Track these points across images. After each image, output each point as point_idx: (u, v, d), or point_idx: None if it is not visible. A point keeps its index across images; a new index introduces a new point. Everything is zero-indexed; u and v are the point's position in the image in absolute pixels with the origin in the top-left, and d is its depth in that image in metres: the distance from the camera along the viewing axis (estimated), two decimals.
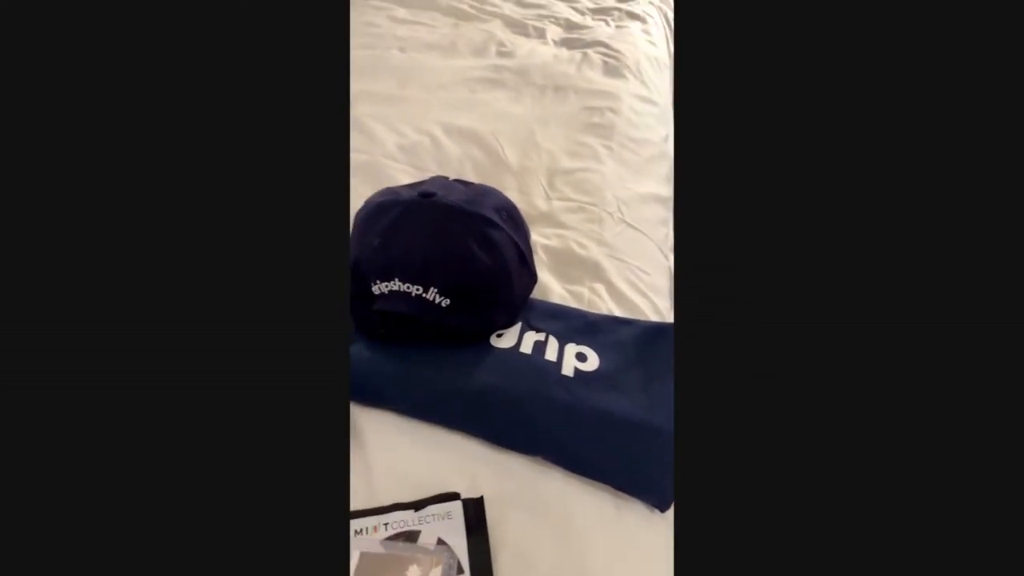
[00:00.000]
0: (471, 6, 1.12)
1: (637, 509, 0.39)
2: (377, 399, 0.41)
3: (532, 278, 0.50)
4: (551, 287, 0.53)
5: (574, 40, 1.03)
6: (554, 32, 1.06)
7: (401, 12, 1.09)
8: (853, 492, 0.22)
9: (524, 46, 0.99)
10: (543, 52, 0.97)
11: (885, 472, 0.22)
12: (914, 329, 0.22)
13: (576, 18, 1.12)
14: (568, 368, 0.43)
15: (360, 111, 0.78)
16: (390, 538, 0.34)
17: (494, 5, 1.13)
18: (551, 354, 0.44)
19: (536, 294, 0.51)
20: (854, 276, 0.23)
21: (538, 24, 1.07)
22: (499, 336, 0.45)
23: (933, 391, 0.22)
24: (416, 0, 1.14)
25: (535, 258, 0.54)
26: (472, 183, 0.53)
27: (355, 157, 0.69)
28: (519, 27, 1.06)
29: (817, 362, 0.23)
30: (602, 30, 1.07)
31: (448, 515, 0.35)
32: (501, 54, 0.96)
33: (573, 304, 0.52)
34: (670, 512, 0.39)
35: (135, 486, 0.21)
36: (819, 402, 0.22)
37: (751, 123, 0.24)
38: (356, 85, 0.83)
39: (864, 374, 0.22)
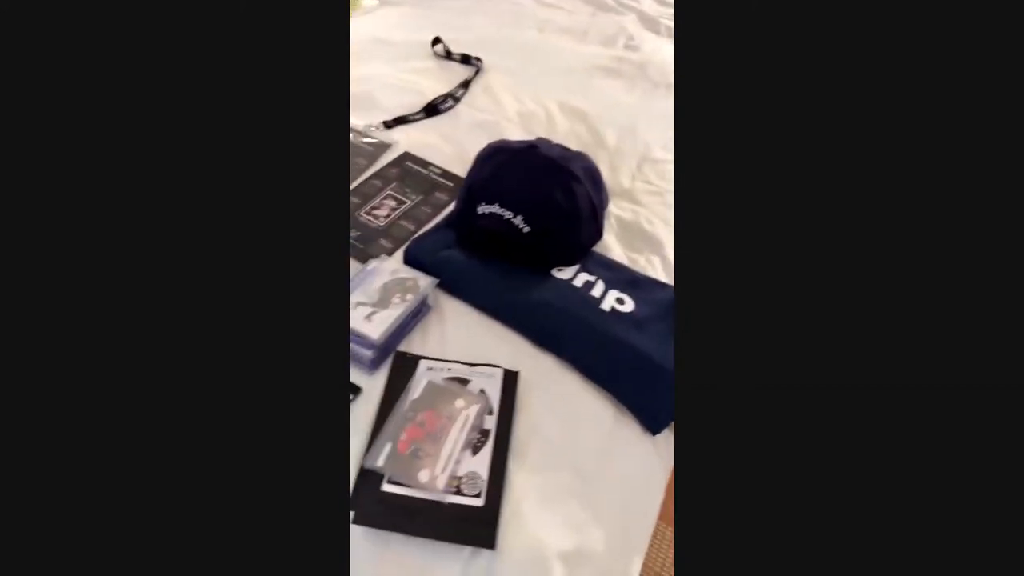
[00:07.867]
0: None
1: (631, 426, 0.49)
2: (459, 292, 0.55)
3: (598, 233, 0.61)
4: (614, 249, 0.63)
5: None
6: None
7: None
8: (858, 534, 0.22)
9: (651, 43, 1.06)
10: (667, 51, 1.03)
11: (889, 513, 0.22)
12: (932, 392, 0.22)
13: None
14: (607, 305, 0.54)
15: (492, 79, 0.91)
16: (449, 379, 0.48)
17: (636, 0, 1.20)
18: (596, 292, 0.55)
19: (598, 251, 0.62)
20: (869, 322, 0.23)
21: (670, 23, 1.13)
22: (559, 270, 0.57)
23: (944, 450, 0.22)
24: None
25: (607, 223, 0.64)
26: (570, 149, 0.64)
27: (482, 116, 0.83)
28: (651, 23, 1.13)
29: (834, 422, 0.23)
30: None
31: (492, 375, 0.49)
32: (628, 47, 1.04)
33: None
34: (659, 436, 0.48)
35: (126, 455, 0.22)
36: (828, 461, 0.23)
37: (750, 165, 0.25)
38: (492, 57, 0.97)
39: (879, 436, 0.22)
